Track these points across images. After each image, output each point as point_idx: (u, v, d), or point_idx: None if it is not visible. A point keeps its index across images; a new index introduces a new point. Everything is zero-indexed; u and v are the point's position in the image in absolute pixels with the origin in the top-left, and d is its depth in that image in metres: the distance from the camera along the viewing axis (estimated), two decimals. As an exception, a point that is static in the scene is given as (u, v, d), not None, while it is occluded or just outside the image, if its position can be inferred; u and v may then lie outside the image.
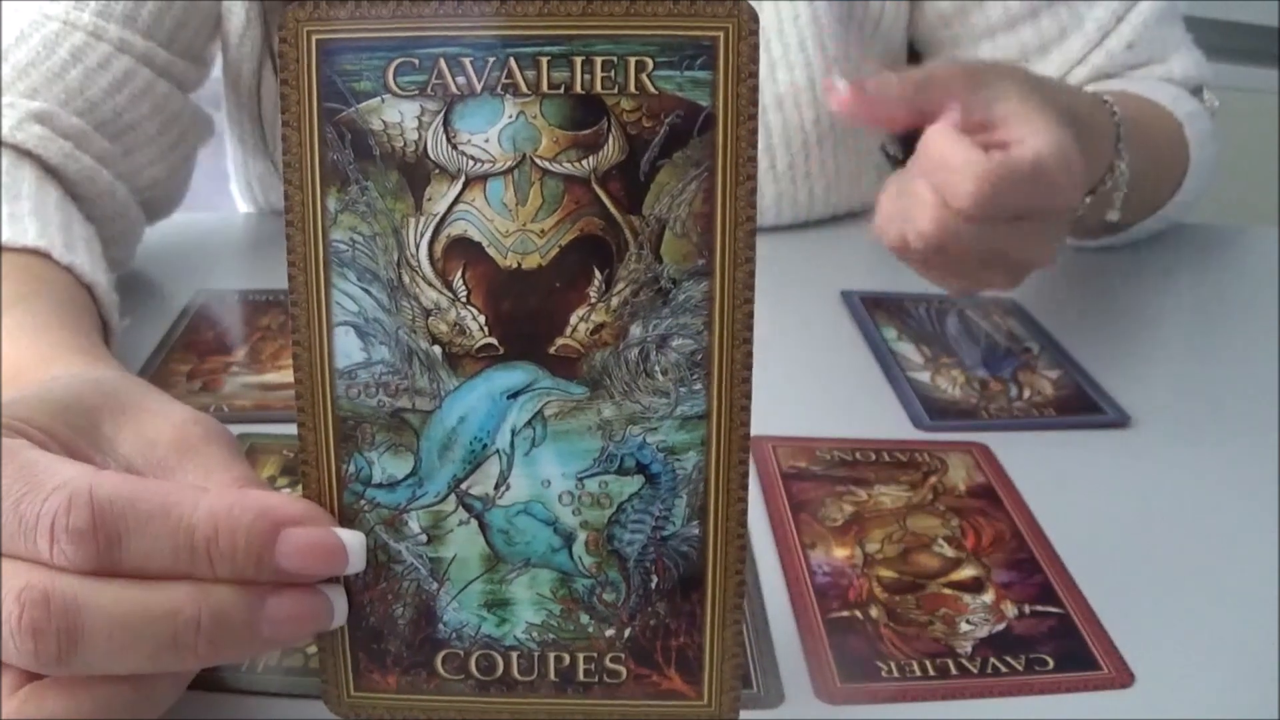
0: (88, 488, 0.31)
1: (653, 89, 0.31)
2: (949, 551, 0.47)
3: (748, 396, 0.33)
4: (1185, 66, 0.79)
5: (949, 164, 0.52)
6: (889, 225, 0.55)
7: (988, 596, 0.44)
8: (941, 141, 0.53)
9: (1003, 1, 0.77)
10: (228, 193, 0.87)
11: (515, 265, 0.32)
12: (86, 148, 0.60)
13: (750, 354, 0.33)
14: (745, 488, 0.33)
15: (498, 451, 0.33)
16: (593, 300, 0.32)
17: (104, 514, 0.30)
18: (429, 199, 0.32)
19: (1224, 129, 0.80)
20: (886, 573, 0.45)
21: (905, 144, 1.05)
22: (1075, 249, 0.77)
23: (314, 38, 0.32)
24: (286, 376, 0.57)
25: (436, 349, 0.33)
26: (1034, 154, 0.52)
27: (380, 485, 0.34)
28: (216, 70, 0.75)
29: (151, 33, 0.65)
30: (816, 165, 0.79)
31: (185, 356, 0.60)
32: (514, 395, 0.33)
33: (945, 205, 0.52)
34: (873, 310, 0.67)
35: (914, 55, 0.89)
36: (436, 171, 0.32)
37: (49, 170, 0.58)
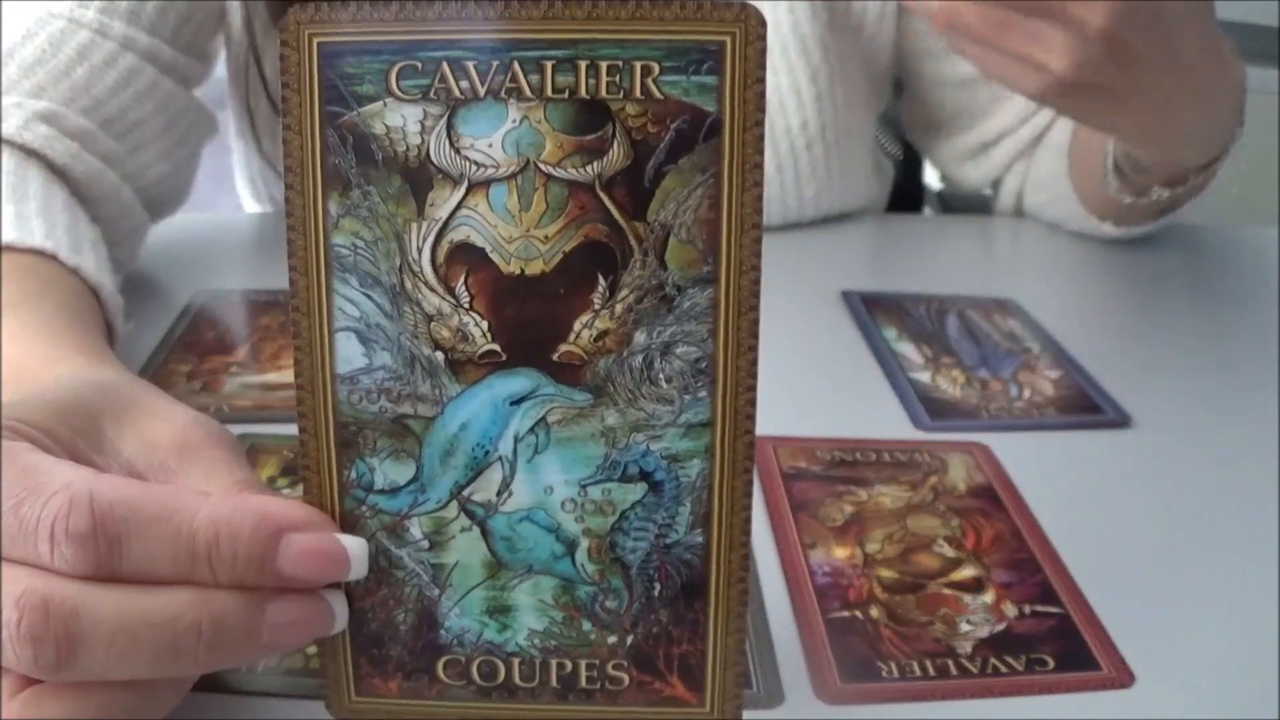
0: (89, 491, 0.31)
1: (658, 94, 0.31)
2: (949, 551, 0.47)
3: (752, 404, 0.33)
4: None
5: None
6: None
7: (988, 596, 0.44)
8: None
9: None
10: (230, 193, 0.87)
11: (518, 271, 0.32)
12: (93, 148, 0.60)
13: (755, 361, 0.32)
14: (749, 495, 0.33)
15: (500, 458, 0.33)
16: (596, 307, 0.32)
17: (105, 518, 0.30)
18: (431, 204, 0.32)
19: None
20: (887, 573, 0.45)
21: (904, 144, 1.05)
22: (1110, 241, 0.77)
23: (315, 40, 0.31)
24: (287, 376, 0.57)
25: (439, 355, 0.33)
26: None
27: (382, 491, 0.34)
28: (220, 69, 0.74)
29: (156, 29, 0.64)
30: (806, 168, 0.79)
31: (185, 356, 0.59)
32: (517, 402, 0.33)
33: None
34: (873, 310, 0.67)
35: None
36: (439, 176, 0.32)
37: (56, 170, 0.58)
